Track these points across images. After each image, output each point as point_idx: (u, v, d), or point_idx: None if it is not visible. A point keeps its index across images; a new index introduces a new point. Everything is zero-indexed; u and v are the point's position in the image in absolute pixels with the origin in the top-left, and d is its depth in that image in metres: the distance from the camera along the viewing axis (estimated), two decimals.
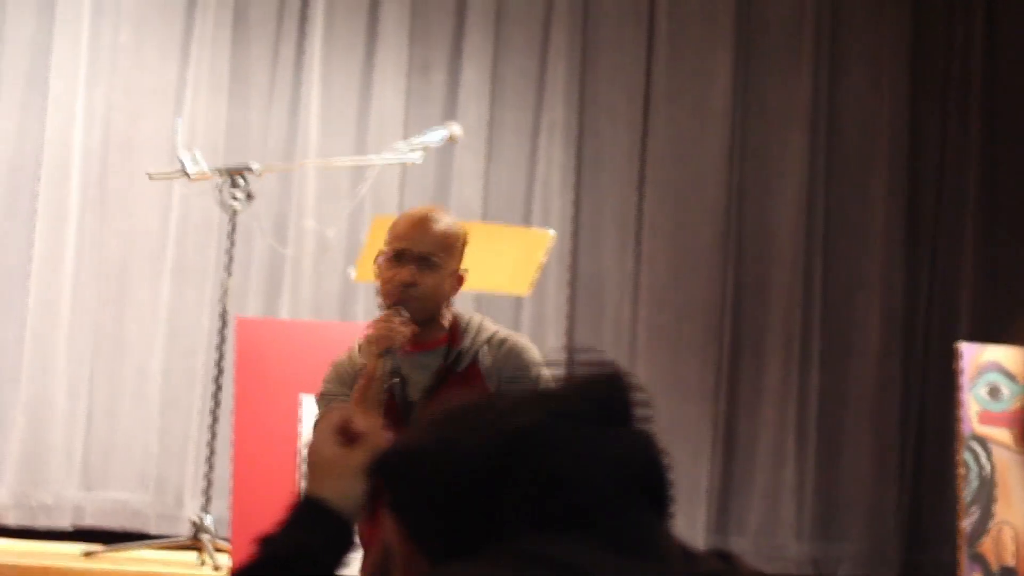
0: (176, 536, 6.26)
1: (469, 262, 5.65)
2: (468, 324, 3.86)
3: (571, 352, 1.72)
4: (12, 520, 6.86)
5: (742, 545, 7.39)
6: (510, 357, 3.76)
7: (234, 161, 6.46)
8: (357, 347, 3.86)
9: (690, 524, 7.28)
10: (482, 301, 7.14)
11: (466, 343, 3.80)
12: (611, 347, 7.49)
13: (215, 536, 5.82)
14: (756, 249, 7.72)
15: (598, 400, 1.66)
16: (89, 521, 6.90)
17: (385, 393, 3.70)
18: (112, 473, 7.03)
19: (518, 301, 7.31)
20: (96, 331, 7.08)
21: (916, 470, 7.58)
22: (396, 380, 3.74)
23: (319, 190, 7.33)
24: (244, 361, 5.42)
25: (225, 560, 5.60)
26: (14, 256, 7.08)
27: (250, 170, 6.13)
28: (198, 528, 5.85)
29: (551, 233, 6.15)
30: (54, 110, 7.12)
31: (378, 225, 5.92)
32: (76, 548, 6.10)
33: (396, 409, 3.72)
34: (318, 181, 7.34)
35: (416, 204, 7.26)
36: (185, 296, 7.17)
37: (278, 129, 7.40)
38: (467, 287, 5.85)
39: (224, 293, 6.10)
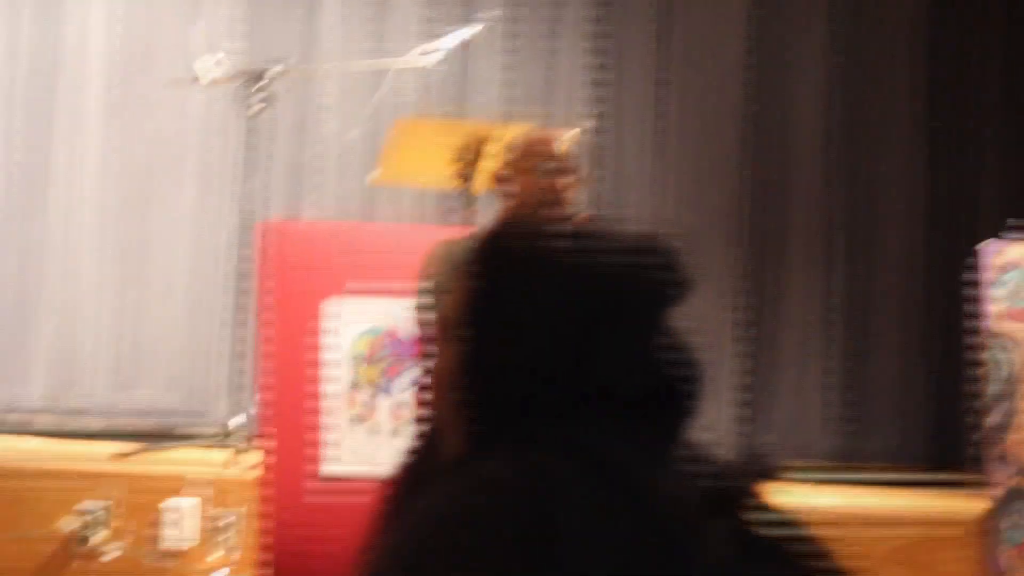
0: (206, 436, 6.32)
1: (491, 163, 5.72)
2: None
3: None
4: (44, 422, 6.95)
5: (769, 441, 7.44)
6: None
7: (253, 65, 6.45)
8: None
9: (718, 421, 7.33)
10: None
11: None
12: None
13: (244, 435, 5.88)
14: (776, 148, 7.69)
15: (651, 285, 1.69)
16: (120, 422, 6.97)
17: None
18: (142, 374, 7.10)
19: None
20: (121, 235, 7.13)
21: (943, 365, 7.59)
22: None
23: (339, 93, 7.32)
24: (267, 265, 5.44)
25: (254, 459, 5.67)
26: (37, 160, 7.11)
27: (266, 73, 6.11)
28: (227, 429, 5.92)
29: (577, 130, 6.13)
30: (72, 15, 7.12)
31: (399, 128, 5.93)
32: (108, 449, 6.16)
33: None
34: (338, 84, 7.33)
35: (436, 106, 7.29)
36: (209, 199, 7.20)
37: (297, 32, 7.38)
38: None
39: (245, 197, 6.11)
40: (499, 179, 4.16)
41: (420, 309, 3.89)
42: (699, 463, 1.73)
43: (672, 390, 1.69)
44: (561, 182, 4.03)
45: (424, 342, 3.87)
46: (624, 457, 1.63)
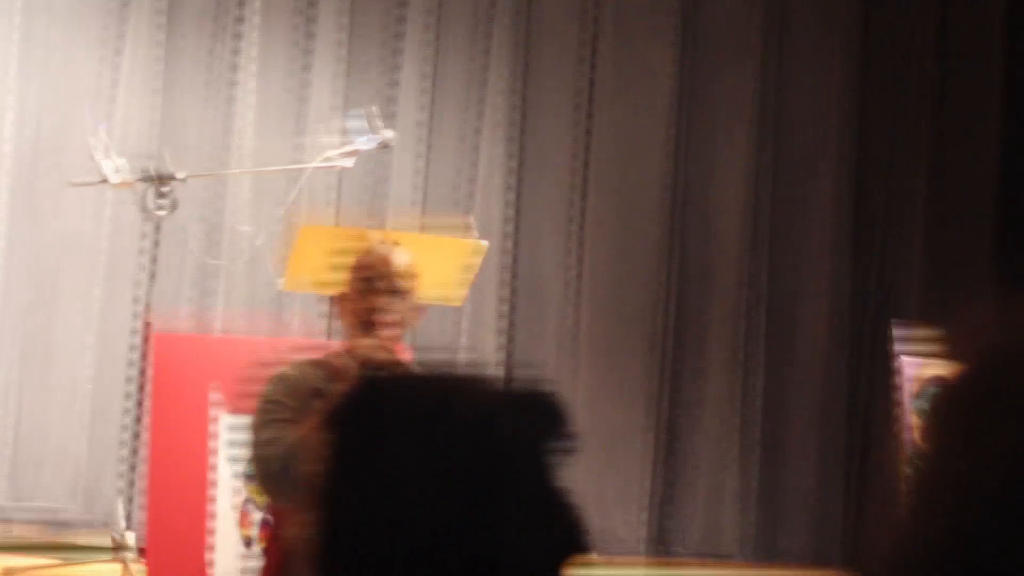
0: (99, 550, 6.12)
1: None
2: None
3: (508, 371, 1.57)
4: None
5: (684, 554, 7.30)
6: None
7: (165, 164, 6.32)
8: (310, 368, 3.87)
9: (632, 532, 7.18)
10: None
11: None
12: (552, 352, 7.38)
13: (135, 552, 5.69)
14: (700, 252, 7.60)
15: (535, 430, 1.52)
16: (17, 532, 6.77)
17: None
18: (41, 483, 6.90)
19: (456, 307, 7.17)
20: (25, 338, 6.95)
21: (861, 479, 7.48)
22: None
23: (254, 193, 7.19)
24: (161, 377, 5.29)
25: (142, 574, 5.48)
26: None
27: (174, 177, 5.99)
28: (117, 545, 5.73)
29: (483, 244, 6.02)
30: None
31: (304, 235, 5.80)
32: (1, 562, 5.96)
33: None
34: (253, 184, 7.20)
35: (354, 206, 7.18)
36: (115, 303, 7.04)
37: (212, 130, 7.27)
38: None
39: (147, 304, 5.96)
40: (334, 298, 4.05)
41: (266, 456, 3.73)
42: None
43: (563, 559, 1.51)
44: (385, 303, 3.88)
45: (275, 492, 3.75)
46: None
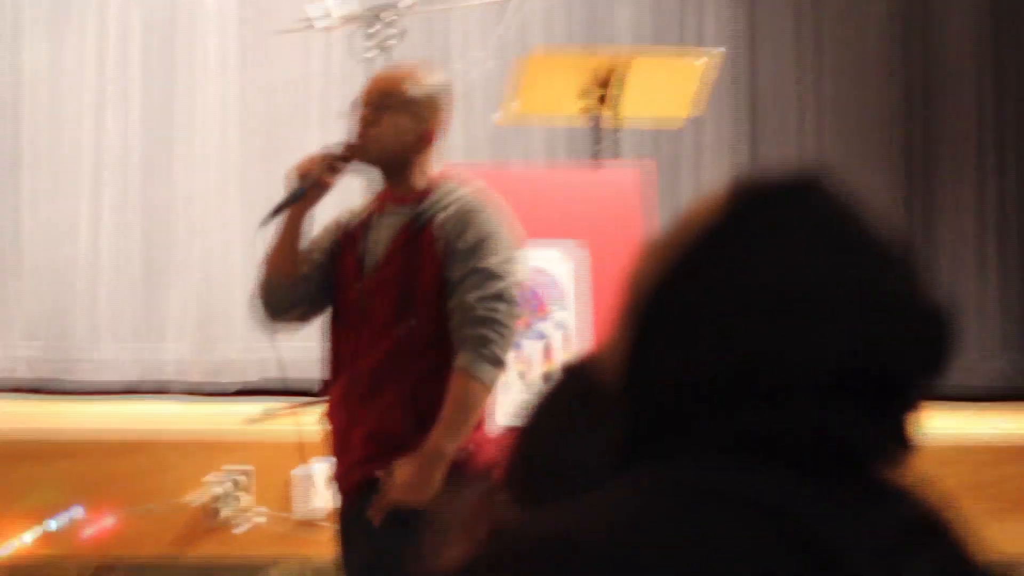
0: None
1: (631, 92, 5.45)
2: (441, 186, 3.72)
3: None
4: (180, 385, 6.87)
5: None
6: (459, 216, 3.63)
7: (368, 6, 6.22)
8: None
9: None
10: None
11: (428, 203, 3.67)
12: (791, 164, 7.17)
13: None
14: (932, 54, 7.30)
15: None
16: (258, 381, 6.81)
17: (350, 248, 3.72)
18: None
19: (694, 123, 6.96)
20: (249, 187, 6.95)
21: None
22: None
23: (462, 30, 7.08)
24: None
25: None
26: (159, 117, 7.00)
27: (379, 17, 5.89)
28: None
29: (718, 51, 5.83)
30: None
31: (526, 63, 5.69)
32: (245, 410, 5.97)
33: (356, 262, 3.69)
34: (461, 20, 7.07)
35: (568, 36, 7.01)
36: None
37: None
38: (632, 114, 5.66)
39: None
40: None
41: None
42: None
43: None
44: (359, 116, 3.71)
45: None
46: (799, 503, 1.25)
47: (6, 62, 7.00)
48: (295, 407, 5.28)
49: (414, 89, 3.70)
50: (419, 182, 3.69)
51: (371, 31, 5.89)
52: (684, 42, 7.12)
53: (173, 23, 7.02)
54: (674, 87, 5.79)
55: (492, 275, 3.56)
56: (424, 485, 3.44)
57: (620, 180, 5.20)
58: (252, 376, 6.81)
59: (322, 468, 5.04)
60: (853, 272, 1.28)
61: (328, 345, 3.74)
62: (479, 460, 3.56)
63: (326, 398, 3.76)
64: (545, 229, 4.81)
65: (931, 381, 1.28)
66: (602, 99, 5.60)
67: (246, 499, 5.24)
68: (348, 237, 3.73)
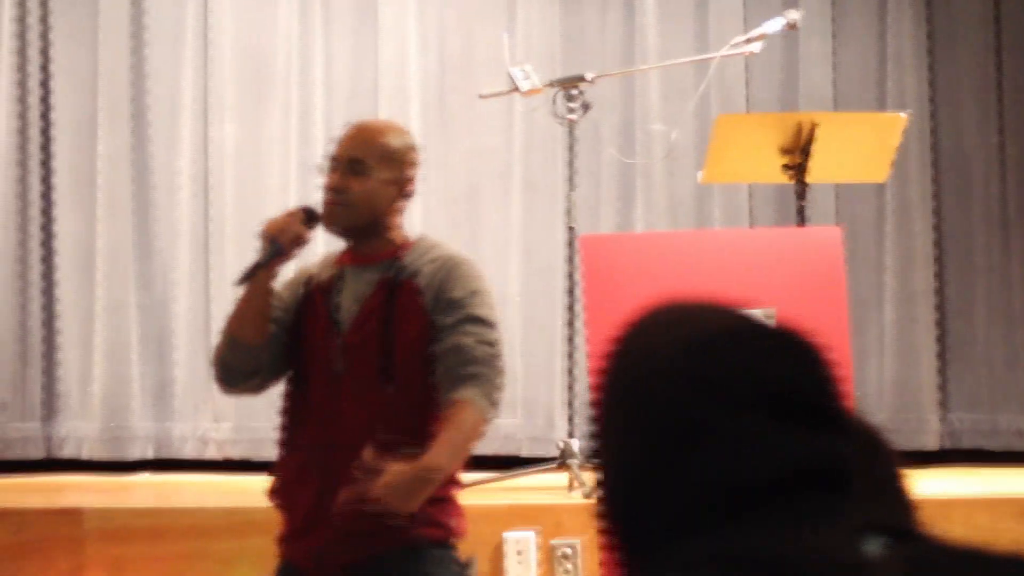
0: (545, 460, 6.14)
1: (821, 154, 5.41)
2: (419, 242, 3.59)
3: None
4: None
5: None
6: (448, 269, 3.48)
7: (570, 71, 6.27)
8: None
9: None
10: (840, 192, 6.82)
11: (410, 257, 3.54)
12: (981, 225, 7.05)
13: (581, 458, 5.68)
14: None
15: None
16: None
17: (322, 305, 3.54)
18: None
19: (879, 189, 6.92)
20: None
21: None
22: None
23: (662, 92, 7.08)
24: (592, 279, 5.21)
25: (591, 481, 5.46)
26: None
27: (583, 79, 5.93)
28: (564, 452, 5.74)
29: (903, 116, 5.76)
30: (387, 36, 7.08)
31: (720, 124, 5.68)
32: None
33: (328, 320, 3.51)
34: (660, 83, 7.09)
35: (763, 96, 6.98)
36: (536, 213, 7.05)
37: (614, 33, 7.17)
38: (822, 178, 5.62)
39: (568, 209, 5.94)
40: None
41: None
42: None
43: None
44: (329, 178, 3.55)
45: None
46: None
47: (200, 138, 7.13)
48: (499, 477, 5.25)
49: (396, 140, 3.59)
50: (396, 236, 3.57)
51: (570, 96, 5.93)
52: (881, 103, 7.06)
53: (375, 89, 7.11)
54: (872, 147, 5.72)
55: (488, 324, 3.44)
56: (409, 496, 3.19)
57: (822, 241, 5.14)
58: None
59: (529, 533, 5.05)
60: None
61: (287, 413, 3.57)
62: (457, 532, 3.47)
63: (278, 472, 3.58)
64: (747, 294, 4.77)
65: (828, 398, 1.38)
66: (801, 158, 5.56)
67: None
68: (316, 293, 3.57)
